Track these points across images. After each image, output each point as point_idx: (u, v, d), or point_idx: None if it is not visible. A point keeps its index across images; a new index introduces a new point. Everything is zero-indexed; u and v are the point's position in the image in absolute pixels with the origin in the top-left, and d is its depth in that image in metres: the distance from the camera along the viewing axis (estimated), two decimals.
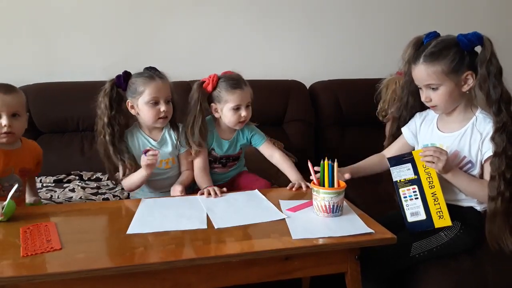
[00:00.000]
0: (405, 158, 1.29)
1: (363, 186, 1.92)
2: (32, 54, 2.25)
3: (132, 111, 1.53)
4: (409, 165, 1.28)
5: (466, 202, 1.34)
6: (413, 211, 1.28)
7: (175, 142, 1.58)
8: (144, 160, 1.42)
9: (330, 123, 2.37)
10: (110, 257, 1.01)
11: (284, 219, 1.20)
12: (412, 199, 1.28)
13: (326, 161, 1.22)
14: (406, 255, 1.29)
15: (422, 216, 1.26)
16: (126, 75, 1.52)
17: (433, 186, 1.25)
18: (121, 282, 0.99)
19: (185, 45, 2.39)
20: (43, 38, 2.25)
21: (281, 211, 1.25)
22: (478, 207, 1.33)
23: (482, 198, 1.27)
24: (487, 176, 1.26)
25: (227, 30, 2.42)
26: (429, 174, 1.26)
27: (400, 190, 1.30)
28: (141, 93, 1.48)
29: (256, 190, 1.47)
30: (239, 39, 2.44)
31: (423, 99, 1.33)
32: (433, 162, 1.22)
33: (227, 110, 1.55)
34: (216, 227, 1.14)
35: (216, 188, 1.43)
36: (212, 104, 1.58)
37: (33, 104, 2.04)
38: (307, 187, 1.44)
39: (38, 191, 1.67)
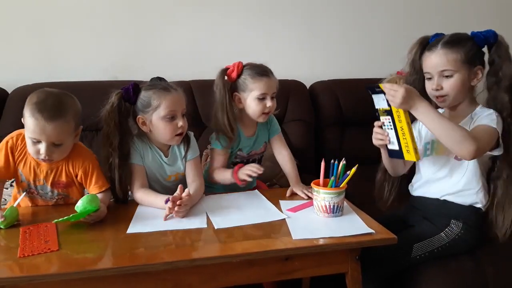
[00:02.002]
0: (377, 89, 1.25)
1: (363, 186, 1.92)
2: (32, 54, 2.25)
3: (144, 128, 1.36)
4: (383, 96, 1.24)
5: (468, 198, 1.32)
6: (391, 140, 1.29)
7: (183, 154, 1.42)
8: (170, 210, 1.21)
9: (330, 123, 2.36)
10: (110, 257, 1.01)
11: (284, 219, 1.20)
12: (389, 128, 1.29)
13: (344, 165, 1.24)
14: (407, 256, 1.29)
15: (396, 146, 1.28)
16: (135, 87, 1.34)
17: (400, 121, 1.23)
18: (122, 282, 0.99)
19: (185, 45, 2.39)
20: (43, 38, 2.25)
21: (281, 211, 1.25)
22: (480, 205, 1.32)
23: (453, 139, 1.16)
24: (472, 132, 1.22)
25: (227, 30, 2.42)
26: (397, 109, 1.23)
27: (381, 117, 1.30)
28: (156, 107, 1.31)
29: (256, 190, 1.47)
30: (239, 39, 2.44)
31: (433, 87, 1.30)
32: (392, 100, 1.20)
33: (252, 99, 1.44)
34: (216, 228, 1.14)
35: (253, 164, 1.39)
36: (235, 94, 1.46)
37: None
38: (305, 193, 1.41)
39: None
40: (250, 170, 1.36)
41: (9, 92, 2.11)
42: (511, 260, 1.33)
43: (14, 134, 1.30)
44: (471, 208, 1.33)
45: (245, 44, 2.45)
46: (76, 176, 1.32)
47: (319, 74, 2.48)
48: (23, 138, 1.26)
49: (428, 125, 1.21)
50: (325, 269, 1.13)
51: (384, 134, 1.30)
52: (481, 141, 1.17)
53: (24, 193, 1.28)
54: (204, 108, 2.13)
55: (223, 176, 1.46)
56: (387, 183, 1.51)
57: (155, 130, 1.35)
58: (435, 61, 1.29)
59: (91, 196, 1.19)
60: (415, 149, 1.23)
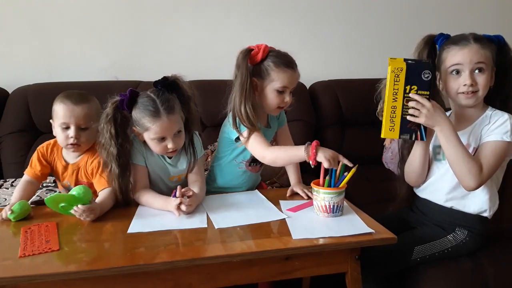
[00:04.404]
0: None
1: (363, 186, 1.92)
2: (32, 54, 2.25)
3: (139, 137, 1.33)
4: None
5: (476, 204, 1.30)
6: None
7: (187, 155, 1.39)
8: (176, 203, 1.21)
9: (330, 123, 2.37)
10: (111, 257, 1.01)
11: (284, 219, 1.20)
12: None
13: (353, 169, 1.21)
14: (407, 258, 1.28)
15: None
16: (131, 99, 1.29)
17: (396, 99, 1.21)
18: (122, 282, 0.99)
19: (185, 45, 2.39)
20: (43, 38, 2.25)
21: (282, 211, 1.25)
22: (486, 213, 1.30)
23: (460, 168, 1.20)
24: (480, 155, 1.22)
25: (227, 30, 2.43)
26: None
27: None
28: (147, 129, 1.27)
29: (256, 190, 1.47)
30: (239, 39, 2.41)
31: (467, 82, 1.24)
32: (416, 115, 1.19)
33: (271, 90, 1.35)
34: (216, 227, 1.14)
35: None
36: (253, 79, 1.35)
37: (33, 104, 2.05)
38: (305, 193, 1.40)
39: (38, 190, 1.66)
40: (334, 156, 1.22)
41: (10, 92, 2.11)
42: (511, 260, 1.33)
43: (44, 144, 1.45)
44: (477, 216, 1.30)
45: (245, 44, 2.42)
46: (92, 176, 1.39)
47: (319, 74, 2.48)
48: (52, 147, 1.43)
49: (445, 146, 1.22)
50: (325, 269, 1.13)
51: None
52: (484, 175, 1.20)
53: (40, 191, 1.39)
54: (204, 108, 2.13)
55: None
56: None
57: (148, 144, 1.33)
58: (470, 54, 1.24)
59: (84, 189, 1.20)
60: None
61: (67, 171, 1.42)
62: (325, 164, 1.20)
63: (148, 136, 1.29)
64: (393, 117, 1.22)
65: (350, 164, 1.21)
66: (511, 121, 1.23)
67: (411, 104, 1.20)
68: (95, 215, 1.20)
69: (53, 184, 1.87)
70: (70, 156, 1.42)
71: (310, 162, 1.23)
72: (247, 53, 1.35)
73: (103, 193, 1.31)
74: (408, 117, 1.21)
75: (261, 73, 1.35)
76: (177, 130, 1.30)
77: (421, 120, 1.19)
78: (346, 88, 2.40)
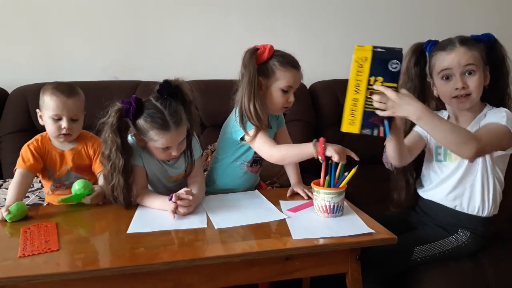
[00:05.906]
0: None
1: (363, 186, 1.92)
2: (32, 54, 2.25)
3: (140, 143, 1.32)
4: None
5: (477, 206, 1.29)
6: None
7: (184, 156, 1.38)
8: (171, 207, 1.20)
9: (330, 123, 2.36)
10: (110, 257, 1.01)
11: (284, 219, 1.20)
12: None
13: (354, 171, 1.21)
14: (408, 258, 1.28)
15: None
16: (137, 109, 1.24)
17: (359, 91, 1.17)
18: (122, 282, 0.99)
19: (185, 45, 2.39)
20: (43, 38, 2.25)
21: (282, 211, 1.25)
22: (489, 213, 1.29)
23: (453, 141, 1.12)
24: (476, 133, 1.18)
25: (227, 30, 2.42)
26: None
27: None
28: (154, 141, 1.25)
29: (256, 190, 1.47)
30: (239, 39, 2.43)
31: (458, 86, 1.23)
32: (384, 109, 1.12)
33: (276, 89, 1.35)
34: (216, 227, 1.14)
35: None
36: (259, 78, 1.35)
37: (32, 104, 2.04)
38: (306, 193, 1.40)
39: (39, 191, 1.66)
40: (342, 150, 1.24)
41: (9, 92, 2.11)
42: None
43: (32, 140, 1.45)
44: (480, 218, 1.30)
45: (245, 44, 2.41)
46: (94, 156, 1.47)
47: (319, 74, 2.47)
48: (42, 140, 1.44)
49: (430, 130, 1.14)
50: (325, 269, 1.13)
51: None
52: (482, 141, 1.12)
53: (34, 195, 1.40)
54: (204, 108, 2.13)
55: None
56: (405, 184, 1.45)
57: (150, 150, 1.32)
58: (458, 57, 1.23)
59: (84, 182, 1.30)
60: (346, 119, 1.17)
61: (64, 158, 1.45)
62: (335, 158, 1.20)
63: (153, 145, 1.28)
64: (354, 110, 1.15)
65: (356, 158, 1.22)
66: (507, 112, 1.23)
67: (375, 97, 1.11)
68: (101, 199, 1.32)
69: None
70: (62, 144, 1.45)
71: (319, 158, 1.23)
72: (254, 52, 1.35)
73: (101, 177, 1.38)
74: (377, 111, 1.12)
75: (267, 72, 1.35)
76: (183, 137, 1.31)
77: (388, 112, 1.11)
78: (346, 88, 2.39)
